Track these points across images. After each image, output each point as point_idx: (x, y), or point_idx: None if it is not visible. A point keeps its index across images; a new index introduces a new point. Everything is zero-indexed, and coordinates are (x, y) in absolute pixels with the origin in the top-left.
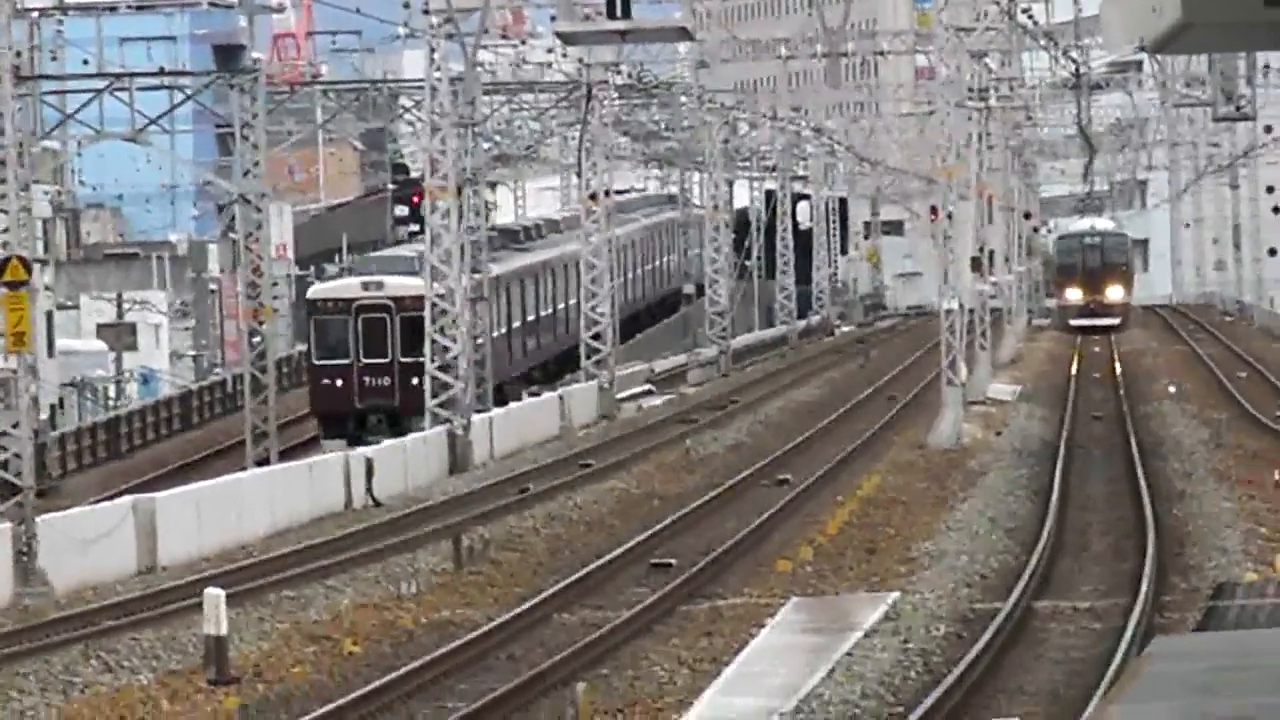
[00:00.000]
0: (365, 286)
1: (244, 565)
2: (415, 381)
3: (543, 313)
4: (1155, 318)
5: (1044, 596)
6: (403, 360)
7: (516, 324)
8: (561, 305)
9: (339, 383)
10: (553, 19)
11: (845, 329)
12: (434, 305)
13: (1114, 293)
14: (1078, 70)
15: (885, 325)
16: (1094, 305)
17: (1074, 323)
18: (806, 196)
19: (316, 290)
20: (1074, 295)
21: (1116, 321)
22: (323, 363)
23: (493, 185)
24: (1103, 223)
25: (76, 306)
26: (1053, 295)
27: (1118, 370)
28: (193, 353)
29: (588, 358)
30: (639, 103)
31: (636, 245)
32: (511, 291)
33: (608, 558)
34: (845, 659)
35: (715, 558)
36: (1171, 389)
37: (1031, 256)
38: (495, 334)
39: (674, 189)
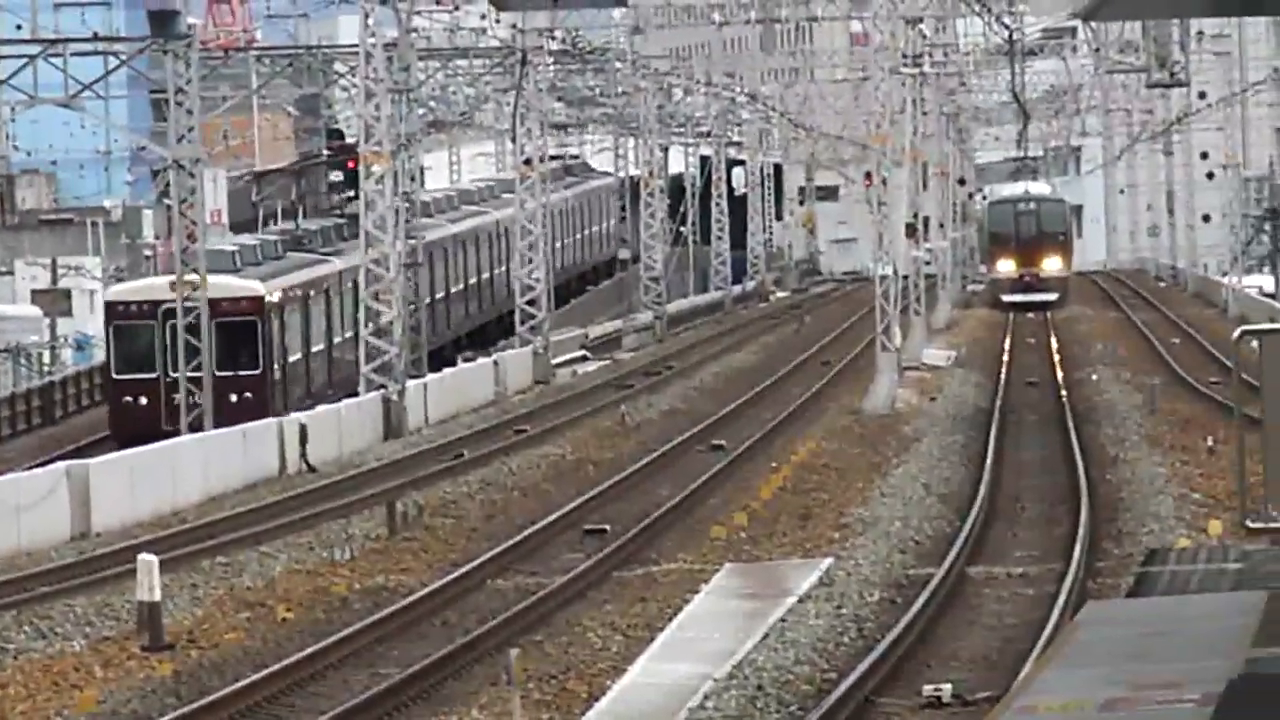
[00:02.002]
0: (174, 287)
1: (178, 531)
2: (235, 399)
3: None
4: (1089, 284)
5: (977, 562)
6: (219, 375)
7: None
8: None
9: (143, 401)
10: None
11: (780, 295)
12: (369, 271)
13: (1051, 265)
14: (1011, 37)
15: (820, 291)
16: (1029, 279)
17: (1007, 298)
18: (741, 162)
19: (116, 291)
20: (1006, 268)
21: (1054, 298)
22: (124, 377)
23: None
24: (1038, 187)
25: (11, 272)
26: (984, 266)
27: (1052, 336)
28: None
29: (522, 323)
30: (574, 68)
31: (571, 210)
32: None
33: (542, 523)
34: (779, 625)
35: (650, 524)
36: (1094, 376)
37: (966, 223)
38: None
39: (581, 153)
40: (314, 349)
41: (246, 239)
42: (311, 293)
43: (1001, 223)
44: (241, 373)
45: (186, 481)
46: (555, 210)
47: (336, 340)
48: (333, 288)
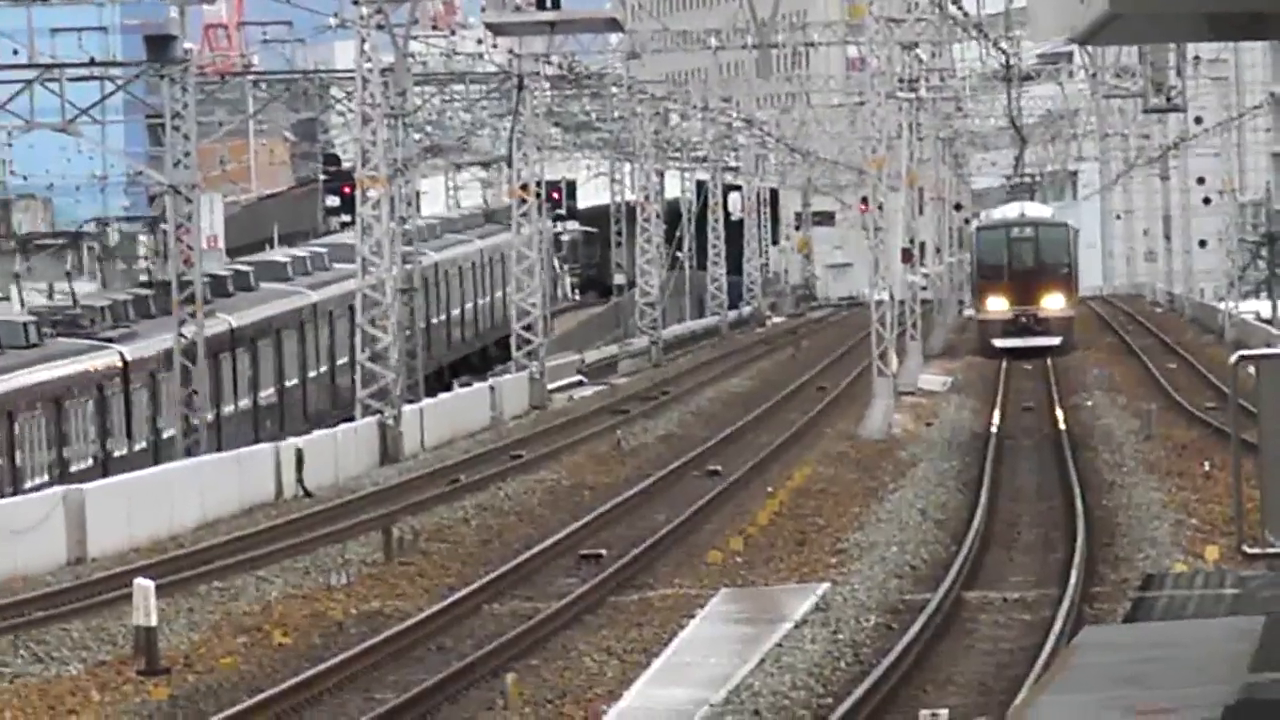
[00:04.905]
0: None
1: (174, 556)
2: None
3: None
4: (1085, 309)
5: (974, 587)
6: None
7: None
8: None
9: None
10: (483, 9)
11: (776, 320)
12: (365, 296)
13: (1052, 302)
14: (1008, 61)
15: (816, 316)
16: (1025, 319)
17: (999, 344)
18: (738, 187)
19: None
20: (998, 305)
21: (1056, 342)
22: None
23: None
24: (1036, 209)
25: (6, 297)
26: (973, 305)
27: (1049, 360)
28: None
29: (518, 348)
30: (570, 93)
31: (474, 269)
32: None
33: (538, 548)
34: (775, 650)
35: (645, 548)
36: (1089, 402)
37: (963, 248)
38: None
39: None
40: (76, 469)
41: None
42: (71, 395)
43: (993, 252)
44: None
45: (183, 506)
46: (467, 264)
47: (117, 455)
48: (109, 386)
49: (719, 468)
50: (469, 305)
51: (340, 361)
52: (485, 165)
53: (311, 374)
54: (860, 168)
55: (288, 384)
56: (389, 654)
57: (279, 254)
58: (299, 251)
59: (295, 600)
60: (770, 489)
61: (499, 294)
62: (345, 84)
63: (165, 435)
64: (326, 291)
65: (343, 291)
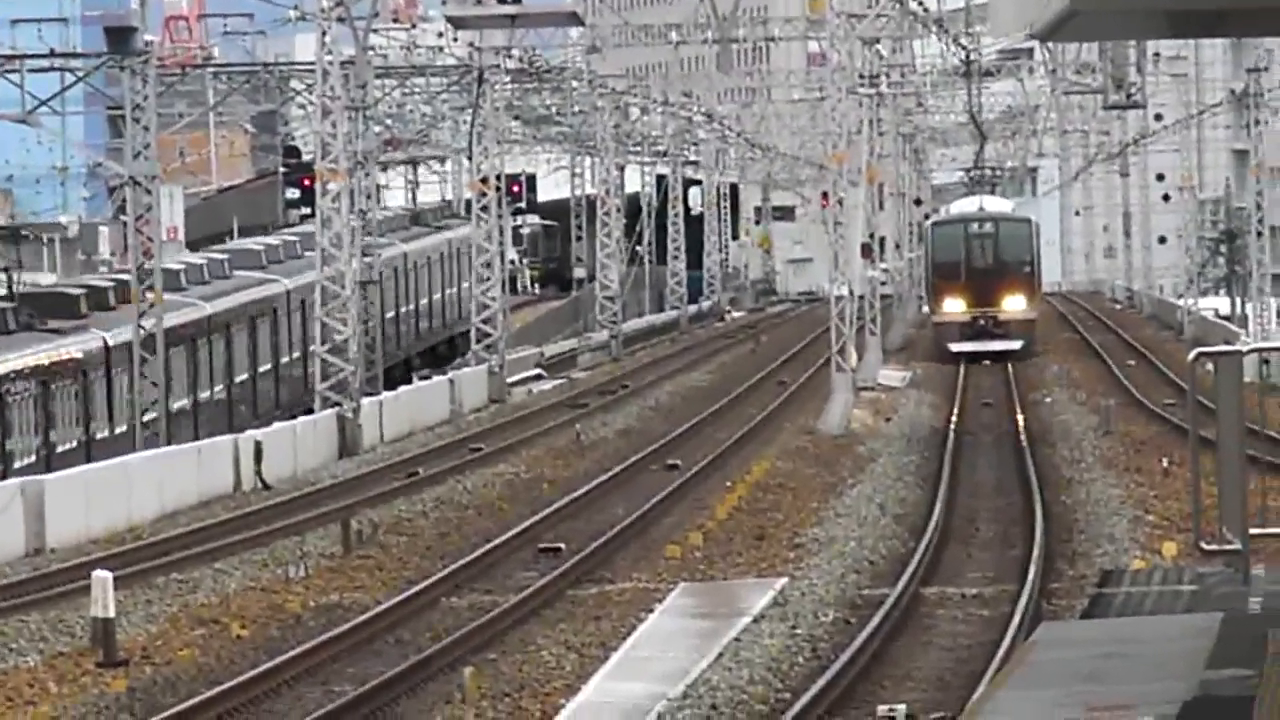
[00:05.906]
0: None
1: (132, 548)
2: None
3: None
4: (1044, 305)
5: (932, 583)
6: None
7: None
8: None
9: None
10: (443, 3)
11: (736, 314)
12: (324, 289)
13: (1013, 303)
14: (969, 57)
15: (776, 311)
16: (985, 322)
17: (956, 348)
18: (698, 182)
19: None
20: (955, 307)
21: (1016, 346)
22: None
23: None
24: (996, 203)
25: None
26: (928, 306)
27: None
28: None
29: (478, 342)
30: (531, 87)
31: (396, 276)
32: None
33: (496, 542)
34: (733, 644)
35: (604, 542)
36: (1049, 399)
37: (922, 243)
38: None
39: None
40: None
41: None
42: None
43: (949, 249)
44: None
45: (141, 498)
46: (387, 270)
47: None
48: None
49: (678, 462)
50: (389, 315)
51: (240, 379)
52: (413, 164)
53: (204, 394)
54: (820, 163)
55: (175, 405)
56: (347, 646)
57: (172, 262)
58: (195, 259)
59: (253, 592)
60: (729, 483)
61: (424, 302)
62: (306, 76)
63: (16, 465)
64: (223, 303)
65: (243, 301)
